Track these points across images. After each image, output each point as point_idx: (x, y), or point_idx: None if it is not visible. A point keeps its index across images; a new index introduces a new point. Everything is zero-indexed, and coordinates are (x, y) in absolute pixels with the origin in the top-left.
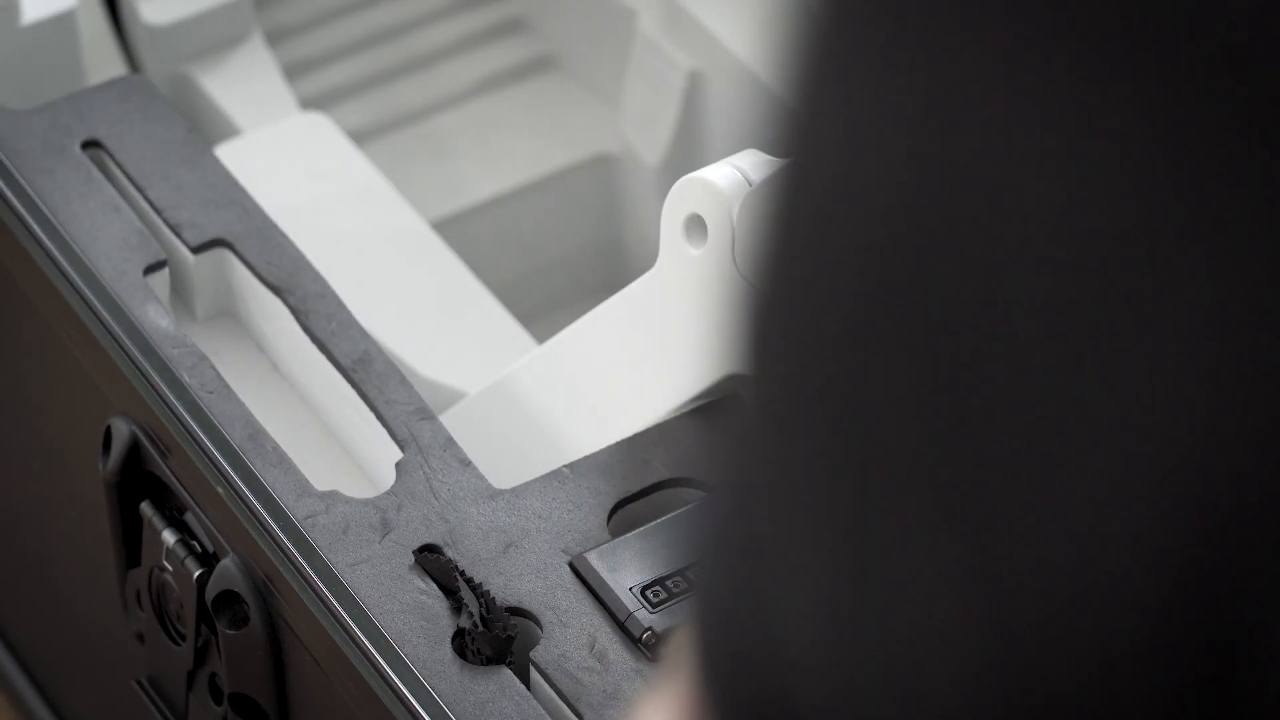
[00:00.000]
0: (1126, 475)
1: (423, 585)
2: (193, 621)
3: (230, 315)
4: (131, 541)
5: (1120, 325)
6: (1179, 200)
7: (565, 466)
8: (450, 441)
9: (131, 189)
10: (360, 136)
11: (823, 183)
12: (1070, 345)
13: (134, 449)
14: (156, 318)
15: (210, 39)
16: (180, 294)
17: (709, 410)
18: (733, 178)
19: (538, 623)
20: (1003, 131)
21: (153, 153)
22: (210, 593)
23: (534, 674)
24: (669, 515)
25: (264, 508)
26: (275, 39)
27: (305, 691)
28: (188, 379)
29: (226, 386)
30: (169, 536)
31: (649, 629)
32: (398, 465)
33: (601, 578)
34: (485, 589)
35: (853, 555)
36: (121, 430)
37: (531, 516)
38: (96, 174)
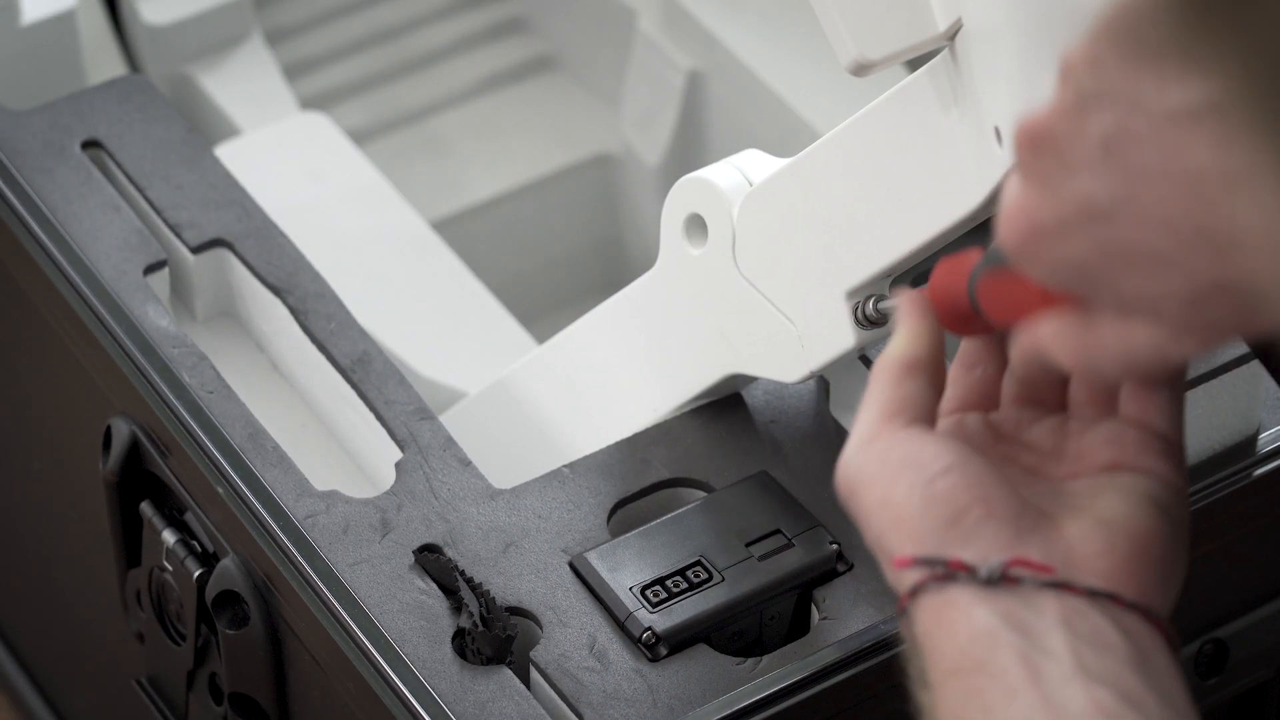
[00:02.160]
0: None
1: (423, 585)
2: (193, 621)
3: (230, 315)
4: (131, 541)
5: None
6: None
7: (565, 466)
8: (450, 441)
9: (131, 189)
10: (360, 136)
11: None
12: None
13: (134, 449)
14: (156, 318)
15: (210, 39)
16: (180, 294)
17: (709, 410)
18: (733, 178)
19: (538, 623)
20: None
21: (153, 153)
22: (210, 593)
23: (534, 674)
24: (669, 515)
25: (264, 508)
26: (275, 39)
27: (305, 691)
28: (188, 379)
29: (226, 386)
30: (169, 536)
31: (649, 629)
32: (398, 465)
33: (601, 577)
34: (485, 589)
35: None
36: (121, 430)
37: (531, 516)
38: (96, 174)
